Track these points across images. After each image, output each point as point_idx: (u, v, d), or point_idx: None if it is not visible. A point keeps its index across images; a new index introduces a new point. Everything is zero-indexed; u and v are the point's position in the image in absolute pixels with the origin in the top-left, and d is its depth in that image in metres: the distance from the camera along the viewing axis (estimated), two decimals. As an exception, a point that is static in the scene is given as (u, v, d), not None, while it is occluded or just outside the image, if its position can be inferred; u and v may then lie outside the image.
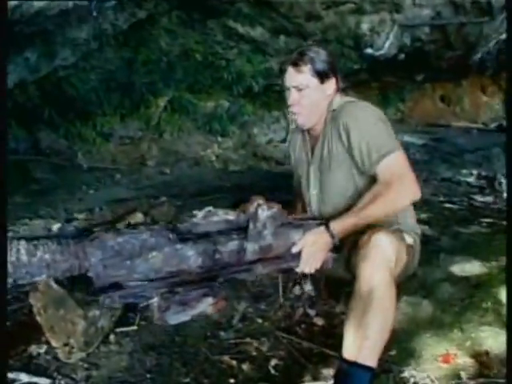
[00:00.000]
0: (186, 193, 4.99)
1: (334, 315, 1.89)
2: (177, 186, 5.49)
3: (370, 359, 1.46)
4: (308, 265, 1.70)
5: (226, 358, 1.72)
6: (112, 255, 1.49)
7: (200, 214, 1.70)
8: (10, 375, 1.61)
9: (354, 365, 1.45)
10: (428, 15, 5.77)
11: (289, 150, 2.29)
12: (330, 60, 1.94)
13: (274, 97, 6.71)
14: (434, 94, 9.54)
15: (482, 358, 1.51)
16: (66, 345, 1.71)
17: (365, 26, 5.79)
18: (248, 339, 1.82)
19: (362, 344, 1.46)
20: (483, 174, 6.13)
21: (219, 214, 1.71)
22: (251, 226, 1.65)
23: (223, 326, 1.93)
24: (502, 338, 1.59)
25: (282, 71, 1.97)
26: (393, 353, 1.63)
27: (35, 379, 1.62)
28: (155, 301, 1.54)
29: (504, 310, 1.71)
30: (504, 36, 5.79)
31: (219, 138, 6.77)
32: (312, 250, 1.69)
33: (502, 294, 1.81)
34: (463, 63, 6.49)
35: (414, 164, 6.17)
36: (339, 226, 1.71)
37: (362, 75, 6.73)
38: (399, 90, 7.86)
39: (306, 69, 1.89)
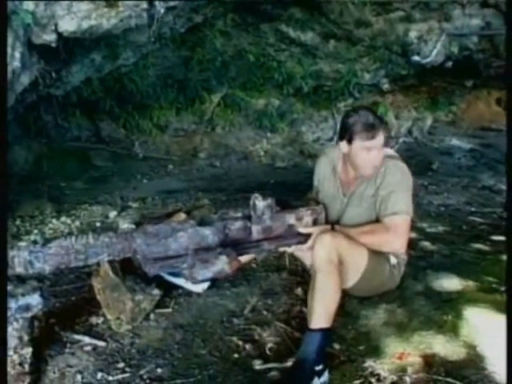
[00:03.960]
0: (233, 187, 5.33)
1: None
2: (225, 179, 5.84)
3: (320, 323, 1.91)
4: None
5: (234, 338, 2.17)
6: (151, 237, 1.93)
7: (215, 216, 2.16)
8: (76, 337, 2.14)
9: (309, 330, 1.93)
10: (477, 25, 5.82)
11: (315, 173, 2.63)
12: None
13: (323, 97, 6.96)
14: (489, 97, 9.44)
15: (428, 359, 1.85)
16: (117, 319, 2.24)
17: (413, 34, 5.89)
18: (253, 326, 2.26)
19: (312, 313, 1.94)
20: (527, 183, 6.12)
21: (230, 214, 2.16)
22: (252, 213, 2.11)
23: (237, 314, 2.38)
24: (451, 345, 1.92)
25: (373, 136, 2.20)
26: (361, 347, 2.01)
27: (94, 341, 2.14)
28: (185, 265, 1.96)
29: (461, 323, 2.03)
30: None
31: (268, 134, 7.06)
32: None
33: (465, 310, 2.13)
34: (512, 72, 6.48)
35: (457, 169, 6.25)
36: (341, 229, 2.21)
37: (410, 80, 6.86)
38: (449, 94, 7.88)
39: (383, 136, 2.22)
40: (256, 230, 2.10)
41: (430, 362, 1.83)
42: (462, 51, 6.08)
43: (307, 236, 2.15)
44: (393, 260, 2.30)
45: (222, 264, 1.96)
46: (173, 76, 6.04)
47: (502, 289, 2.35)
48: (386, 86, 6.90)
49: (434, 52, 5.97)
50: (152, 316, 2.34)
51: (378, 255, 2.20)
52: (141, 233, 1.94)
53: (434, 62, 6.11)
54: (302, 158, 7.14)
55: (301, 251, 2.28)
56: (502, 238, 3.44)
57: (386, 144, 2.35)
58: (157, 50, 5.40)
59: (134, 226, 3.49)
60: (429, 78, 6.93)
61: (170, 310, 2.42)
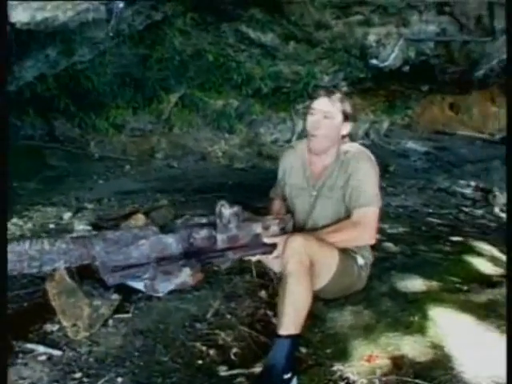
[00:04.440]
0: (190, 188, 5.25)
1: None
2: (182, 180, 5.76)
3: (290, 329, 1.85)
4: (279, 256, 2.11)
5: (198, 344, 2.07)
6: (111, 244, 1.85)
7: (179, 220, 2.08)
8: (29, 346, 2.00)
9: (278, 336, 1.86)
10: (433, 31, 5.96)
11: (280, 167, 2.57)
12: (353, 109, 2.31)
13: (282, 99, 6.96)
14: (443, 102, 9.71)
15: (396, 361, 1.83)
16: (74, 325, 2.11)
17: (372, 38, 5.98)
18: (217, 331, 2.17)
19: (281, 319, 1.88)
20: (480, 186, 6.28)
21: (194, 220, 2.08)
22: (218, 221, 2.04)
23: (199, 319, 2.28)
24: (418, 346, 1.91)
25: (312, 98, 2.30)
26: (329, 351, 1.96)
27: (49, 350, 2.00)
28: (147, 276, 1.88)
29: (427, 323, 2.04)
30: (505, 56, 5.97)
31: (226, 135, 7.04)
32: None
33: (431, 311, 2.13)
34: (466, 78, 6.67)
35: (413, 171, 6.38)
36: (308, 235, 2.11)
37: (368, 83, 6.95)
38: (405, 98, 8.03)
39: (338, 103, 2.23)
40: (221, 239, 2.04)
41: (399, 363, 1.81)
42: (419, 56, 6.22)
43: (273, 246, 2.10)
44: (360, 261, 2.28)
45: (185, 276, 1.92)
46: (130, 74, 5.92)
47: (465, 288, 2.37)
48: (344, 89, 6.95)
49: (391, 56, 6.07)
50: (111, 322, 2.22)
51: (346, 256, 2.17)
52: (100, 239, 1.85)
53: (392, 66, 6.22)
54: (260, 159, 7.13)
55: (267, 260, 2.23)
56: (460, 238, 3.51)
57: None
58: (114, 47, 5.28)
59: (90, 228, 3.37)
60: (386, 82, 7.05)
61: (129, 315, 2.30)
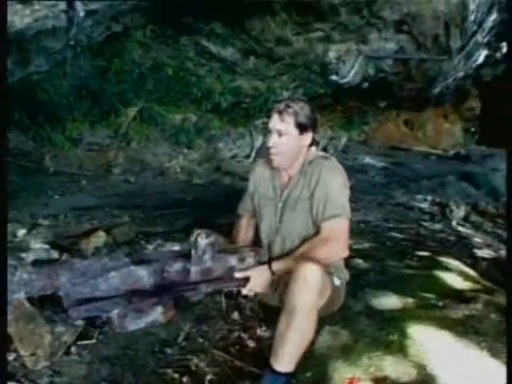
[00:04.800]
0: (149, 204, 5.09)
1: (264, 339, 2.14)
2: (140, 196, 5.57)
3: (286, 367, 1.78)
4: (253, 291, 2.05)
5: (169, 371, 1.95)
6: (78, 275, 1.75)
7: (151, 246, 1.98)
8: None
9: (273, 371, 1.78)
10: (392, 49, 6.09)
11: (250, 179, 2.46)
12: (311, 115, 2.19)
13: (241, 114, 6.93)
14: (398, 119, 9.93)
15: (379, 382, 1.77)
16: (33, 354, 1.93)
17: (332, 54, 6.06)
18: (189, 356, 2.05)
19: (281, 354, 1.78)
20: (437, 200, 6.40)
21: (167, 246, 1.98)
22: (193, 252, 1.95)
23: (170, 343, 2.15)
24: (400, 365, 1.86)
25: (269, 116, 2.21)
26: (308, 374, 1.89)
27: None
28: (115, 312, 1.79)
29: (407, 342, 1.99)
30: (461, 74, 6.16)
31: (185, 150, 6.91)
32: (256, 282, 2.03)
33: (409, 328, 2.08)
34: (423, 95, 6.84)
35: (372, 187, 6.43)
36: (279, 266, 2.06)
37: (327, 99, 7.01)
38: (363, 114, 8.16)
39: (289, 119, 2.14)
40: (195, 271, 1.96)
41: (382, 385, 1.76)
42: (378, 73, 6.33)
43: (246, 279, 2.02)
44: (336, 281, 2.21)
45: (156, 314, 1.85)
46: (88, 87, 5.78)
47: (440, 304, 2.34)
48: (303, 105, 6.96)
49: (351, 72, 6.15)
50: (74, 349, 2.05)
51: (324, 278, 2.08)
52: (66, 269, 1.75)
53: (352, 82, 6.31)
54: (219, 174, 7.04)
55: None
56: (426, 253, 3.51)
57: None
58: (72, 58, 5.13)
59: (47, 247, 3.18)
60: (345, 98, 7.13)
61: (94, 341, 2.14)
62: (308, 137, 2.21)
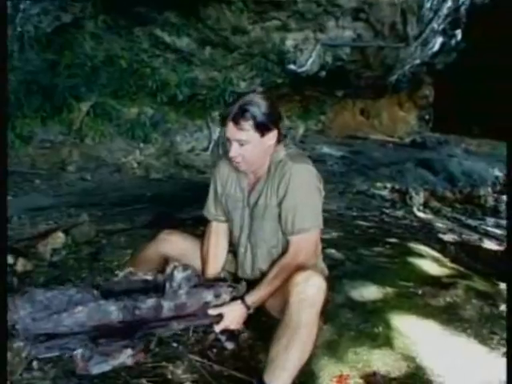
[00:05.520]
0: (107, 201, 4.92)
1: (243, 340, 2.00)
2: (97, 193, 5.39)
3: (288, 382, 1.65)
4: (228, 327, 1.89)
5: (143, 380, 1.78)
6: (40, 309, 1.60)
7: (121, 273, 1.83)
8: None
9: None
10: (349, 37, 6.07)
11: (215, 177, 2.18)
12: (271, 111, 1.89)
13: (198, 106, 6.82)
14: (354, 108, 9.96)
15: (369, 378, 1.70)
16: None
17: (289, 43, 6.01)
18: (164, 363, 1.89)
19: (279, 373, 1.65)
20: (396, 187, 6.42)
21: (139, 275, 1.84)
22: (167, 285, 1.81)
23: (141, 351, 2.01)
24: (389, 359, 1.79)
25: (223, 124, 1.92)
26: (294, 374, 1.78)
27: None
28: (79, 352, 1.62)
29: (393, 334, 1.93)
30: (418, 61, 6.20)
31: (141, 145, 6.76)
32: (231, 319, 1.87)
33: (394, 320, 2.02)
34: (380, 83, 6.86)
35: (332, 176, 6.39)
36: (254, 298, 1.88)
37: (285, 89, 6.97)
38: (320, 103, 8.16)
39: (247, 125, 1.85)
40: (168, 307, 1.81)
41: (372, 381, 1.68)
42: (336, 61, 6.32)
43: (220, 317, 1.87)
44: None
45: (124, 357, 1.68)
46: (37, 81, 5.58)
47: (420, 292, 2.29)
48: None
49: (309, 61, 6.11)
50: (35, 364, 1.84)
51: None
52: (27, 301, 1.59)
53: (309, 71, 6.27)
54: (177, 168, 6.91)
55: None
56: (395, 240, 3.48)
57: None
58: (19, 51, 4.88)
59: None
60: (302, 87, 7.09)
61: (57, 353, 1.96)
62: (272, 136, 1.92)
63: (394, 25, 5.76)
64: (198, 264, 2.16)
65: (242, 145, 1.90)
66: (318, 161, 8.17)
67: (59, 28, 4.90)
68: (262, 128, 1.87)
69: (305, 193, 1.92)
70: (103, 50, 5.65)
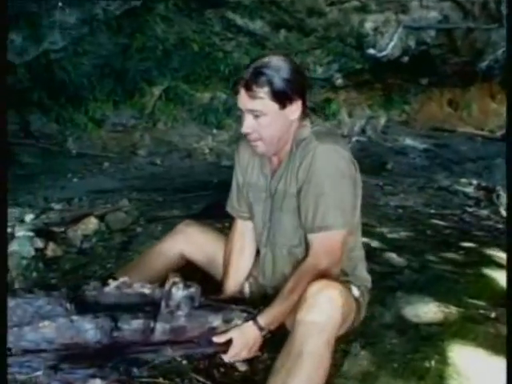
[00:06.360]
0: (172, 187, 4.86)
1: (260, 361, 1.67)
2: (165, 178, 5.37)
3: None
4: (239, 356, 1.58)
5: None
6: None
7: (114, 283, 1.59)
8: None
9: None
10: (435, 18, 5.64)
11: (236, 166, 1.86)
12: (293, 77, 1.55)
13: (273, 91, 6.63)
14: (441, 98, 9.37)
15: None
16: None
17: (368, 26, 5.69)
18: (161, 379, 1.60)
19: None
20: (482, 184, 5.99)
21: (134, 287, 1.59)
22: (163, 304, 1.53)
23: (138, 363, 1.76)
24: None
25: (236, 92, 1.60)
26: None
27: None
28: (39, 373, 1.39)
29: (449, 371, 1.53)
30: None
31: (214, 131, 6.66)
32: (242, 346, 1.55)
33: (453, 351, 1.61)
34: (469, 70, 6.34)
35: (413, 169, 6.05)
36: (268, 318, 1.55)
37: (365, 75, 6.63)
38: (403, 92, 7.71)
39: (262, 93, 1.52)
40: (161, 330, 1.53)
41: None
42: (419, 45, 5.92)
43: (227, 344, 1.55)
44: (355, 291, 1.68)
45: None
46: (109, 65, 5.58)
47: (493, 315, 1.86)
48: (339, 82, 6.60)
49: (390, 45, 5.74)
50: None
51: (347, 298, 1.55)
52: None
53: (390, 56, 5.90)
54: (249, 155, 6.76)
55: None
56: (472, 244, 3.08)
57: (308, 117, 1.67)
58: (90, 35, 4.90)
59: (31, 234, 2.84)
60: (383, 74, 6.72)
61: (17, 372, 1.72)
62: (295, 108, 1.59)
63: (485, 3, 5.27)
64: (218, 263, 1.87)
65: (256, 116, 1.56)
66: (399, 153, 7.80)
67: (129, 11, 4.83)
68: (281, 97, 1.54)
69: (331, 180, 1.56)
70: (175, 33, 5.55)
